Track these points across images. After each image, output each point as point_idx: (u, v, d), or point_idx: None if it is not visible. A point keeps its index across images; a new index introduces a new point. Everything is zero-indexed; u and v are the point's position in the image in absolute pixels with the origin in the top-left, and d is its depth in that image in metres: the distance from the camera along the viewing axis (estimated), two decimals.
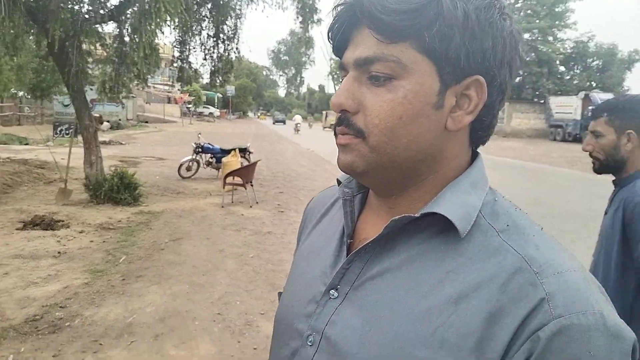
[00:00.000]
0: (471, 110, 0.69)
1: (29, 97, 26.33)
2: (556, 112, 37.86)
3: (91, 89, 10.04)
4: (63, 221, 7.50)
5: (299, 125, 41.12)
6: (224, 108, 64.31)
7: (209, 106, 57.69)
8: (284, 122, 62.70)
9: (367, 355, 0.67)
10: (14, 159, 13.20)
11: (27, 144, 18.46)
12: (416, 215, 0.69)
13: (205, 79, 13.87)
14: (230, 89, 57.43)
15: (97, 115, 28.11)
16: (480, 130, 0.73)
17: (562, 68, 48.80)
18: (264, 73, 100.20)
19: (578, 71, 49.16)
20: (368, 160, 0.69)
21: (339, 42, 0.73)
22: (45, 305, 4.40)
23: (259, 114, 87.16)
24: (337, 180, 0.88)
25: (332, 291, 0.75)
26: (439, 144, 0.70)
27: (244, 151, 12.68)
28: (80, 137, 10.11)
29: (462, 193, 0.70)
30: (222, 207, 9.10)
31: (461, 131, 0.71)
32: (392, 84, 0.66)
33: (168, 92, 46.75)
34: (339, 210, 0.86)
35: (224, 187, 9.76)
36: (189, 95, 46.74)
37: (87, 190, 8.98)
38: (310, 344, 0.74)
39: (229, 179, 9.58)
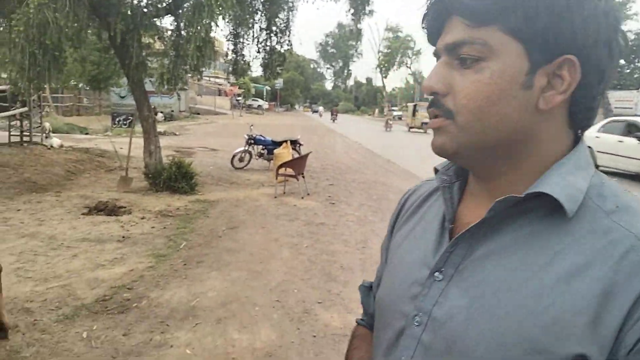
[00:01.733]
0: (564, 89, 0.69)
1: (88, 88, 27.48)
2: (615, 107, 36.16)
3: (150, 81, 10.36)
4: (125, 207, 7.82)
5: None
6: (272, 101, 65.04)
7: (257, 99, 58.49)
8: (318, 112, 68.05)
9: (475, 333, 0.68)
10: (75, 147, 13.82)
11: (87, 134, 19.31)
12: (521, 195, 0.69)
13: (255, 72, 14.08)
14: (279, 82, 57.99)
15: (152, 107, 29.10)
16: (579, 113, 0.72)
17: (622, 61, 46.52)
18: (312, 66, 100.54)
19: (639, 64, 46.70)
20: (458, 140, 0.72)
21: (432, 31, 0.76)
22: (113, 287, 4.61)
23: (303, 107, 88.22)
24: (435, 169, 0.90)
25: (436, 274, 0.77)
26: (531, 124, 0.70)
27: (294, 143, 12.80)
28: (137, 127, 10.52)
29: (567, 174, 0.70)
30: (275, 197, 9.23)
31: (557, 113, 0.71)
32: (479, 66, 0.68)
33: (219, 84, 47.66)
34: (437, 200, 0.89)
35: (276, 178, 9.89)
36: (238, 88, 47.52)
37: (147, 179, 9.31)
38: (417, 324, 0.77)
39: (282, 170, 9.70)
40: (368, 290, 1.09)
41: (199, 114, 37.88)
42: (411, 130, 36.93)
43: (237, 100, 48.50)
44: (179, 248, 5.91)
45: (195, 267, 5.24)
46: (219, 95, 47.81)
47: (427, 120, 0.80)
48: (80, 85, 27.91)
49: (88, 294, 4.44)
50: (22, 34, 7.64)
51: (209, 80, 46.16)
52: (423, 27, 0.79)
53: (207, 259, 5.49)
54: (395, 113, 64.51)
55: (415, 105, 37.36)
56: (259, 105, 56.67)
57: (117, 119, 21.32)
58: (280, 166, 9.74)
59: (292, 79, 68.11)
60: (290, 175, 9.73)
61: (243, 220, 7.34)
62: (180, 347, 3.52)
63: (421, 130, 35.02)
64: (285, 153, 11.27)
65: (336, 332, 3.89)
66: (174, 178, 9.15)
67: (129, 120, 20.78)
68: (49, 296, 4.36)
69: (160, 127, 23.32)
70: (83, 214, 7.44)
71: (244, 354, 3.50)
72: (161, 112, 28.58)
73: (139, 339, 3.64)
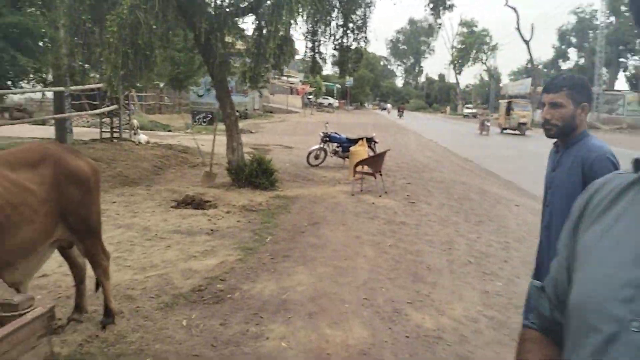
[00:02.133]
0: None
1: (168, 88, 28.78)
2: None
3: (231, 80, 10.67)
4: (210, 202, 8.10)
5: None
6: (342, 98, 65.13)
7: (328, 97, 58.81)
8: (386, 109, 68.35)
9: None
10: (160, 144, 14.50)
11: (169, 131, 20.23)
12: None
13: (326, 70, 14.12)
14: (349, 80, 57.93)
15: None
16: None
17: None
18: (382, 63, 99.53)
19: None
20: None
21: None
22: (206, 278, 4.77)
23: (373, 105, 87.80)
24: (636, 160, 0.82)
25: None
26: None
27: (369, 141, 12.73)
28: (216, 125, 10.87)
29: None
30: (352, 195, 9.20)
31: None
32: None
33: (291, 83, 48.40)
34: (639, 193, 0.82)
35: (353, 176, 9.87)
36: (310, 87, 48.00)
37: (229, 174, 9.61)
38: (636, 329, 0.71)
39: (359, 168, 9.67)
40: (541, 291, 1.02)
41: (271, 112, 38.66)
42: (504, 131, 31.16)
43: (308, 98, 49.01)
44: (265, 242, 6.03)
45: (282, 261, 5.31)
46: (291, 93, 48.54)
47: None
48: (163, 84, 29.34)
49: (184, 284, 4.63)
50: (115, 35, 8.07)
51: (281, 79, 47.01)
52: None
53: (293, 254, 5.55)
54: (467, 111, 62.51)
55: (509, 103, 31.54)
56: (330, 104, 56.96)
57: (197, 117, 22.18)
58: (358, 164, 9.71)
59: (362, 76, 67.80)
60: (368, 173, 9.67)
61: (323, 217, 7.37)
62: (275, 340, 3.58)
63: (517, 132, 29.26)
64: (361, 151, 11.23)
65: (429, 334, 3.80)
66: (255, 174, 9.37)
67: (208, 118, 21.55)
68: (148, 284, 4.59)
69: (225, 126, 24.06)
70: (172, 207, 7.78)
71: (338, 350, 3.50)
72: (236, 111, 29.38)
73: (236, 329, 3.74)
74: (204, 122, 21.48)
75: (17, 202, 2.90)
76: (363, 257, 5.63)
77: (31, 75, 10.76)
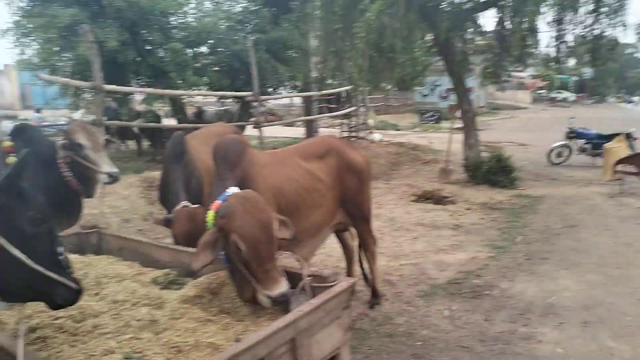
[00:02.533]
0: None
1: (395, 89, 29.68)
2: None
3: (468, 76, 10.44)
4: (449, 197, 8.04)
5: None
6: (579, 92, 58.28)
7: (562, 90, 53.28)
8: (633, 102, 58.54)
9: None
10: (392, 141, 14.99)
11: (398, 129, 20.82)
12: None
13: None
14: (588, 71, 51.49)
15: (454, 104, 29.56)
16: None
17: None
18: (627, 51, 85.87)
19: None
20: None
21: None
22: (461, 272, 4.73)
23: (617, 98, 76.13)
24: None
25: None
26: None
27: (627, 137, 11.04)
28: (441, 123, 10.73)
29: None
30: (611, 197, 8.10)
31: None
32: None
33: (519, 78, 45.29)
34: None
35: (610, 175, 8.70)
36: (541, 80, 44.19)
37: (466, 171, 9.40)
38: None
39: (619, 167, 8.46)
40: None
41: (497, 109, 36.69)
42: None
43: (537, 93, 45.15)
44: (515, 242, 5.71)
45: (540, 263, 4.95)
46: (519, 89, 45.38)
47: None
48: (390, 86, 30.42)
49: (439, 275, 4.66)
50: (363, 39, 8.58)
51: (508, 74, 44.29)
52: None
53: (552, 257, 5.13)
54: None
55: None
56: (564, 98, 51.49)
57: (425, 116, 22.36)
58: (618, 162, 8.50)
59: (603, 67, 59.59)
60: (632, 173, 8.39)
61: (580, 220, 6.64)
62: (549, 344, 3.33)
63: None
64: (620, 148, 9.80)
65: None
66: (494, 171, 8.98)
67: (435, 117, 21.54)
68: (404, 272, 4.75)
69: (460, 123, 23.55)
70: (412, 200, 7.96)
71: None
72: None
73: (502, 327, 3.60)
74: (431, 120, 21.52)
75: (310, 188, 3.27)
76: (638, 267, 4.88)
77: (286, 83, 12.20)
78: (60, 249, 1.89)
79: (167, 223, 3.38)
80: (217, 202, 2.52)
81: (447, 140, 10.34)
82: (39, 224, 1.80)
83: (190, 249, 3.21)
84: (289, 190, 3.09)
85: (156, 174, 8.26)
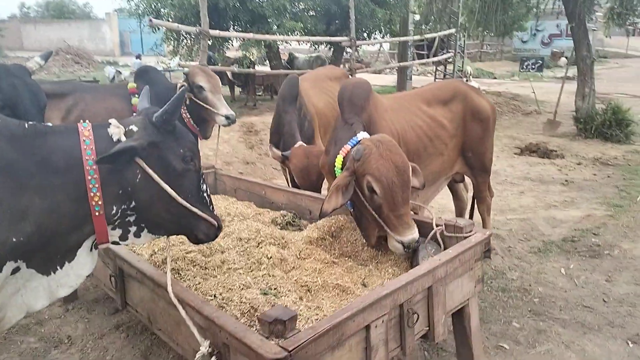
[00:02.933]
0: None
1: (491, 35, 27.87)
2: None
3: (592, 19, 9.46)
4: (556, 151, 7.54)
5: None
6: None
7: None
8: None
9: None
10: (488, 91, 14.21)
11: (494, 78, 19.69)
12: None
13: None
14: None
15: (556, 50, 27.34)
16: None
17: None
18: None
19: None
20: None
21: None
22: (575, 229, 4.45)
23: None
24: None
25: None
26: None
27: None
28: (542, 74, 9.85)
29: None
30: None
31: None
32: None
33: (636, 22, 40.74)
34: None
35: None
36: None
37: (576, 123, 8.74)
38: None
39: None
40: None
41: (605, 57, 33.47)
42: None
43: None
44: (636, 201, 5.27)
45: None
46: (632, 35, 40.91)
47: None
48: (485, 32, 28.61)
49: (551, 232, 4.43)
50: None
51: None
52: None
53: None
54: None
55: None
56: None
57: (525, 64, 20.85)
58: None
59: None
60: None
61: None
62: None
63: None
64: None
65: None
66: (608, 124, 8.27)
67: (538, 65, 20.07)
68: (513, 227, 4.55)
69: (563, 72, 21.74)
70: (515, 153, 7.57)
71: None
72: (565, 57, 26.52)
73: (626, 289, 3.37)
74: (532, 68, 20.04)
75: (433, 135, 3.15)
76: None
77: (382, 28, 11.74)
78: (204, 186, 1.96)
79: (284, 159, 3.44)
80: (347, 147, 2.49)
81: (555, 90, 9.63)
82: (189, 162, 1.85)
83: (306, 192, 3.27)
84: (411, 137, 2.99)
85: (253, 119, 8.47)
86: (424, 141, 3.08)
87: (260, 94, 12.68)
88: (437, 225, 2.41)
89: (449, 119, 3.23)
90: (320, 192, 3.39)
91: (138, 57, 17.41)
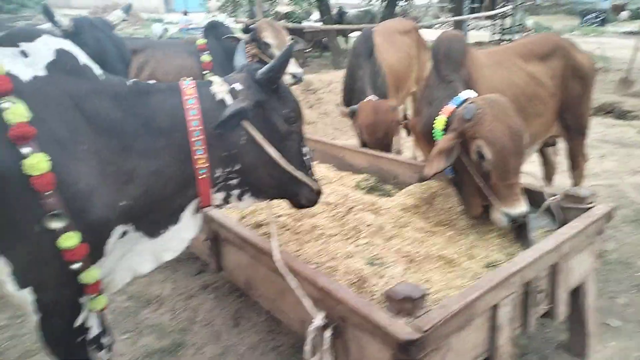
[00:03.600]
0: None
1: None
2: None
3: None
4: (632, 112, 7.03)
5: None
6: None
7: None
8: None
9: None
10: None
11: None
12: None
13: None
14: None
15: (618, 3, 25.50)
16: None
17: None
18: None
19: None
20: None
21: None
22: None
23: None
24: None
25: None
26: None
27: None
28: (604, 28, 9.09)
29: None
30: None
31: None
32: None
33: None
34: None
35: None
36: None
37: None
38: None
39: None
40: None
41: None
42: None
43: None
44: None
45: None
46: None
47: None
48: None
49: (639, 198, 4.12)
50: None
51: None
52: None
53: None
54: None
55: None
56: None
57: (586, 17, 19.55)
58: None
59: None
60: None
61: None
62: None
63: None
64: None
65: None
66: None
67: (600, 18, 18.81)
68: (599, 193, 4.23)
69: (628, 26, 20.33)
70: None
71: None
72: (628, 10, 24.74)
73: None
74: (594, 22, 18.77)
75: (532, 94, 2.88)
76: None
77: None
78: (305, 149, 1.81)
79: (352, 115, 3.27)
80: (450, 107, 2.27)
81: (620, 46, 8.92)
82: (292, 123, 1.71)
83: (389, 155, 3.08)
84: (509, 96, 2.73)
85: (309, 77, 8.23)
86: (522, 101, 2.81)
87: (309, 49, 12.37)
88: (551, 196, 2.19)
89: (548, 76, 2.95)
90: (390, 151, 3.21)
91: (185, 13, 17.27)
